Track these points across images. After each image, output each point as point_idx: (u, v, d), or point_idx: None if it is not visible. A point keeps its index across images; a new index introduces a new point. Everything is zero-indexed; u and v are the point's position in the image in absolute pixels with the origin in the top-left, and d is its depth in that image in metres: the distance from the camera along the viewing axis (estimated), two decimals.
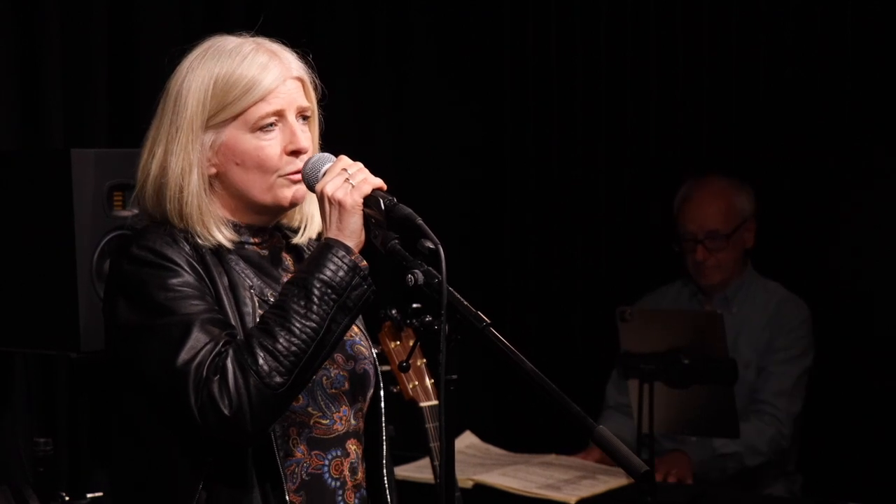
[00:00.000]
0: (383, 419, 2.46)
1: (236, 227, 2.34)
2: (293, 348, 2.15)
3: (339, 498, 2.34)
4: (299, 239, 2.43)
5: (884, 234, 4.44)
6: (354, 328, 2.40)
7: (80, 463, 3.18)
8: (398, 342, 3.19)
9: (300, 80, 2.34)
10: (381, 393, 2.46)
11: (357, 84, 4.62)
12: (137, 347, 2.22)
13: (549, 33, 5.06)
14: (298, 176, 2.31)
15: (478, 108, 5.14)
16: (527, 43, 5.10)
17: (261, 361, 2.14)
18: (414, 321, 2.26)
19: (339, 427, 2.34)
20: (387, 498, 2.45)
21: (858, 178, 4.50)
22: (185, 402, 2.14)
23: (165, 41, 2.60)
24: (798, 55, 4.63)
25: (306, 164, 2.30)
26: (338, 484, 2.34)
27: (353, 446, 2.37)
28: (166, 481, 2.26)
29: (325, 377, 2.32)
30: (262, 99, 2.28)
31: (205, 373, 2.14)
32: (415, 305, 2.24)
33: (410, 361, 3.16)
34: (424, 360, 3.20)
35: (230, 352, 2.16)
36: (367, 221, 2.23)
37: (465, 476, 3.63)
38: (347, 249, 2.21)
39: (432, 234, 2.15)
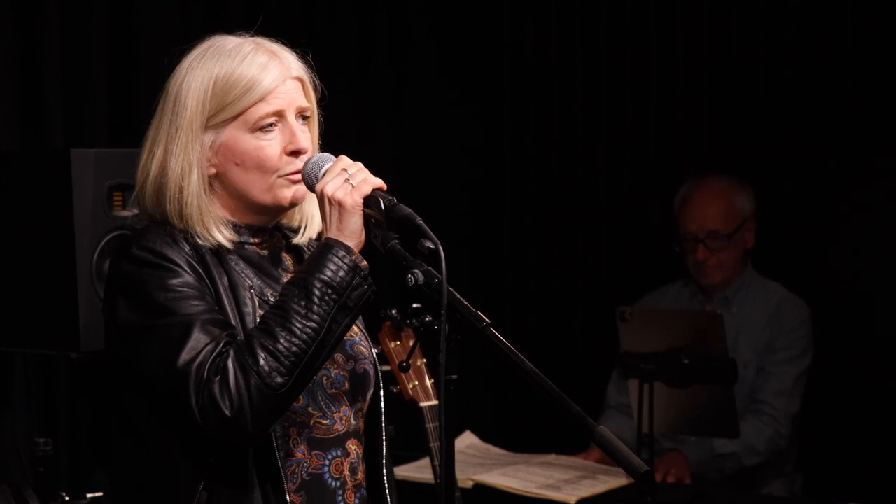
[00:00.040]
0: (383, 419, 2.46)
1: (236, 228, 2.34)
2: (294, 349, 2.15)
3: (340, 498, 2.34)
4: (299, 239, 2.43)
5: (884, 234, 4.44)
6: (354, 328, 2.40)
7: (80, 463, 3.18)
8: (398, 342, 3.19)
9: (300, 80, 2.34)
10: (381, 393, 2.46)
11: (357, 84, 4.62)
12: (138, 348, 2.22)
13: (549, 33, 5.06)
14: (298, 176, 2.31)
15: (478, 108, 5.14)
16: (527, 43, 5.10)
17: (262, 362, 2.14)
18: (414, 321, 2.26)
19: (340, 427, 2.34)
20: (387, 498, 2.45)
21: (858, 178, 4.50)
22: (185, 402, 2.14)
23: (165, 41, 2.60)
24: (798, 55, 4.63)
25: (306, 164, 2.30)
26: (338, 484, 2.34)
27: (353, 446, 2.37)
28: (167, 481, 2.26)
29: (325, 377, 2.32)
30: (261, 99, 2.28)
31: (206, 373, 2.14)
32: (415, 305, 2.24)
33: (410, 361, 3.16)
34: (424, 360, 3.20)
35: (231, 352, 2.16)
36: (367, 221, 2.23)
37: (465, 476, 3.63)
38: (348, 249, 2.21)
39: (432, 234, 2.15)
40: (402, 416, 2.99)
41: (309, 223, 2.42)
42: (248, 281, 2.31)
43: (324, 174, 2.26)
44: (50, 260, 2.86)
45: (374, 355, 2.46)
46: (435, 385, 3.16)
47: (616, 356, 3.91)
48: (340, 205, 2.21)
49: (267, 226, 2.39)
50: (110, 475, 3.36)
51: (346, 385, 2.36)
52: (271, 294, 2.31)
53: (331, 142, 2.42)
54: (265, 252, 2.38)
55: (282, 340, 2.15)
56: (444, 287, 2.12)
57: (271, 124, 2.30)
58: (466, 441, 3.99)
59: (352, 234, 2.22)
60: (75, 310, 2.81)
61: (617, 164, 4.99)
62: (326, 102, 2.41)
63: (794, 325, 4.26)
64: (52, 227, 2.85)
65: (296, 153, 2.31)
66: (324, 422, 2.32)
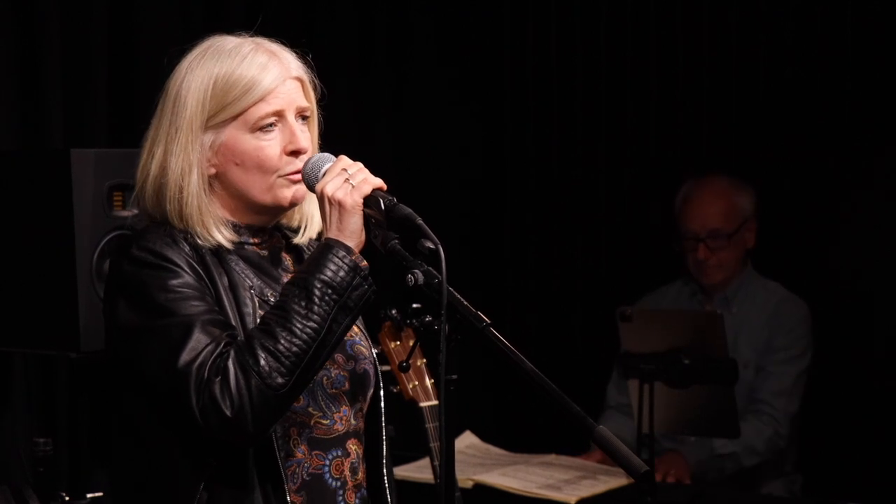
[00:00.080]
0: (383, 419, 2.46)
1: (236, 228, 2.34)
2: (294, 349, 2.15)
3: (340, 498, 2.34)
4: (299, 239, 2.43)
5: (884, 234, 4.43)
6: (354, 328, 2.40)
7: (80, 463, 3.18)
8: (398, 342, 3.19)
9: (299, 80, 2.34)
10: (381, 393, 2.46)
11: (357, 84, 4.62)
12: (138, 348, 2.22)
13: (549, 33, 5.06)
14: (298, 176, 2.31)
15: (478, 108, 5.14)
16: (527, 43, 5.10)
17: (262, 362, 2.14)
18: (414, 321, 2.25)
19: (340, 427, 2.34)
20: (387, 498, 2.45)
21: (858, 178, 4.50)
22: (186, 403, 2.14)
23: (165, 41, 2.59)
24: (798, 55, 4.63)
25: (306, 164, 2.30)
26: (338, 484, 2.34)
27: (353, 446, 2.37)
28: (167, 482, 2.26)
29: (325, 377, 2.32)
30: (261, 99, 2.28)
31: (206, 374, 2.14)
32: (415, 305, 2.24)
33: (410, 361, 3.16)
34: (424, 360, 3.20)
35: (231, 353, 2.16)
36: (367, 221, 2.23)
37: (465, 476, 3.63)
38: (348, 250, 2.21)
39: (432, 234, 2.15)
40: (402, 416, 2.98)
41: (309, 223, 2.42)
42: (248, 281, 2.31)
43: (324, 174, 2.26)
44: (50, 260, 2.86)
45: (374, 355, 2.46)
46: (435, 385, 3.16)
47: (616, 356, 3.91)
48: (340, 205, 2.21)
49: (267, 226, 2.39)
50: (110, 475, 3.36)
51: (347, 385, 2.36)
52: (271, 294, 2.31)
53: (331, 142, 2.41)
54: (265, 252, 2.38)
55: (282, 341, 2.15)
56: (444, 287, 2.12)
57: (271, 124, 2.30)
58: (466, 441, 3.99)
59: (352, 234, 2.22)
60: (75, 310, 2.81)
61: (617, 164, 4.99)
62: (326, 102, 2.41)
63: (793, 324, 4.26)
64: (52, 227, 2.85)
65: (296, 153, 2.31)
66: (324, 422, 2.32)
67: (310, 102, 2.36)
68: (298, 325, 2.16)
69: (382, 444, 2.45)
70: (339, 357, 2.35)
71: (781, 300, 4.31)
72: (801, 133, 4.61)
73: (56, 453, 3.00)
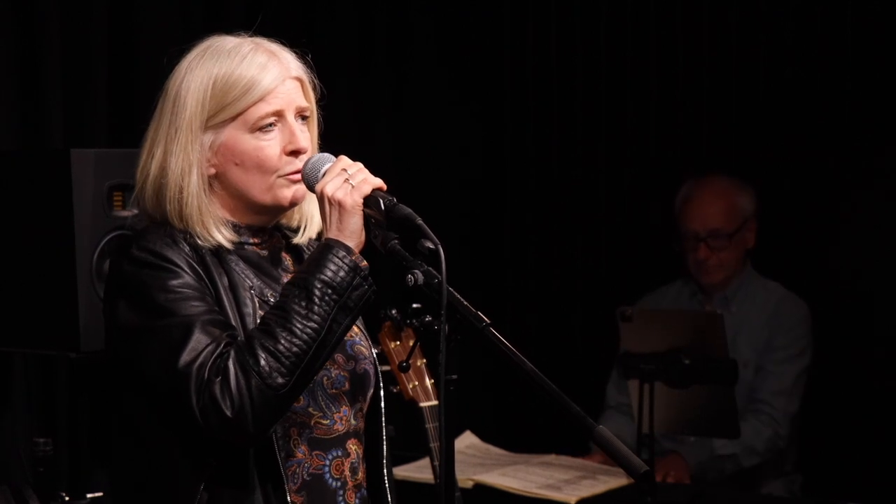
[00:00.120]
0: (383, 419, 2.46)
1: (236, 228, 2.34)
2: (294, 349, 2.15)
3: (340, 498, 2.34)
4: (299, 239, 2.43)
5: (884, 234, 4.43)
6: (354, 328, 2.40)
7: (80, 463, 3.18)
8: (398, 342, 3.19)
9: (299, 80, 2.34)
10: (381, 393, 2.46)
11: (357, 84, 4.62)
12: (138, 349, 2.22)
13: (549, 33, 5.06)
14: (298, 176, 2.31)
15: (478, 108, 5.14)
16: (527, 43, 5.10)
17: (262, 362, 2.14)
18: (414, 321, 2.26)
19: (340, 427, 2.34)
20: (387, 498, 2.45)
21: (858, 178, 4.50)
22: (186, 403, 2.14)
23: (165, 41, 2.59)
24: (798, 55, 4.63)
25: (306, 164, 2.30)
26: (338, 484, 2.34)
27: (353, 446, 2.37)
28: (167, 482, 2.26)
29: (325, 377, 2.32)
30: (261, 99, 2.28)
31: (206, 374, 2.14)
32: (415, 305, 2.24)
33: (410, 361, 3.16)
34: (424, 360, 3.20)
35: (231, 353, 2.16)
36: (367, 221, 2.23)
37: (465, 476, 3.63)
38: (348, 250, 2.21)
39: (432, 234, 2.15)
40: (402, 416, 2.98)
41: (308, 223, 2.42)
42: (248, 281, 2.31)
43: (323, 174, 2.26)
44: (50, 260, 2.86)
45: (375, 355, 2.46)
46: (435, 385, 3.16)
47: (616, 356, 3.91)
48: (340, 205, 2.21)
49: (267, 226, 2.39)
50: (110, 475, 3.36)
51: (347, 385, 2.36)
52: (271, 294, 2.31)
53: (331, 142, 2.41)
54: (265, 252, 2.38)
55: (282, 341, 2.15)
56: (444, 287, 2.12)
57: (271, 124, 2.30)
58: (466, 441, 3.99)
59: (352, 234, 2.22)
60: (75, 310, 2.81)
61: (617, 164, 4.99)
62: (326, 102, 2.41)
63: (793, 323, 4.26)
64: (52, 227, 2.85)
65: (295, 153, 2.31)
66: (324, 422, 2.32)
67: (309, 102, 2.36)
68: (299, 326, 2.16)
69: (382, 444, 2.45)
70: (339, 357, 2.35)
71: (781, 300, 4.31)
72: (801, 133, 4.61)
73: (56, 453, 3.00)
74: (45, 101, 3.56)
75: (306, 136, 2.33)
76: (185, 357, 2.15)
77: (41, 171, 2.90)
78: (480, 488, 3.61)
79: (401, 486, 2.66)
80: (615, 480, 3.66)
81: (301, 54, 2.38)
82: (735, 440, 4.00)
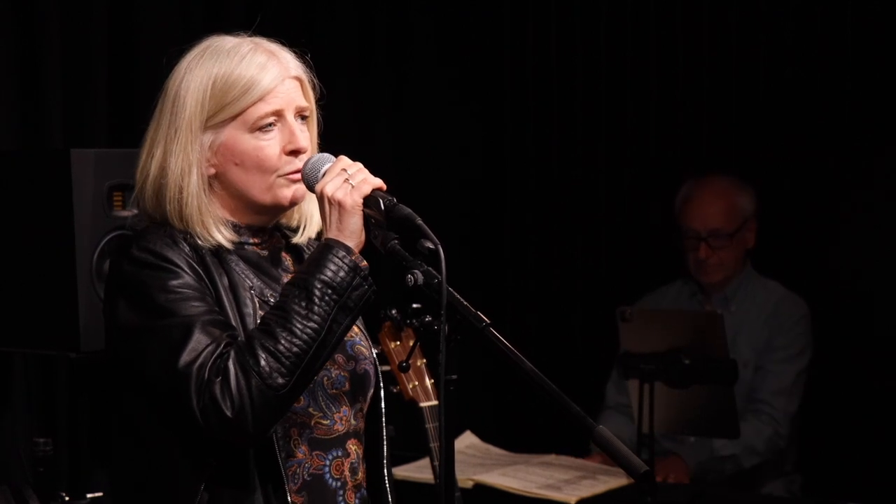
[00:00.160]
0: (383, 419, 2.46)
1: (236, 228, 2.34)
2: (294, 349, 2.15)
3: (340, 498, 2.34)
4: (299, 238, 2.43)
5: (884, 234, 4.44)
6: (354, 328, 2.40)
7: (80, 463, 3.18)
8: (398, 342, 3.19)
9: (298, 79, 2.34)
10: (382, 393, 2.46)
11: (357, 84, 4.62)
12: (138, 349, 2.22)
13: (549, 33, 5.06)
14: (298, 176, 2.31)
15: (478, 108, 5.14)
16: (527, 43, 5.10)
17: (262, 363, 2.14)
18: (414, 321, 2.26)
19: (340, 427, 2.34)
20: (387, 498, 2.45)
21: (858, 178, 4.50)
22: (186, 403, 2.14)
23: (165, 41, 2.59)
24: (798, 55, 4.63)
25: (306, 164, 2.30)
26: (339, 484, 2.34)
27: (353, 446, 2.37)
28: (167, 482, 2.26)
29: (325, 377, 2.32)
30: (260, 99, 2.28)
31: (206, 374, 2.14)
32: (415, 305, 2.24)
33: (410, 361, 3.16)
34: (424, 360, 3.20)
35: (232, 353, 2.16)
36: (367, 221, 2.23)
37: (465, 476, 3.63)
38: (348, 250, 2.21)
39: (432, 235, 2.15)
40: (402, 416, 2.98)
41: (308, 223, 2.42)
42: (249, 281, 2.31)
43: (323, 174, 2.26)
44: (50, 260, 2.86)
45: (375, 355, 2.46)
46: (435, 385, 3.16)
47: (616, 356, 3.91)
48: (340, 205, 2.21)
49: (266, 226, 2.39)
50: (110, 475, 3.36)
51: (347, 385, 2.36)
52: (271, 294, 2.31)
53: (331, 142, 2.41)
54: (265, 252, 2.38)
55: (282, 341, 2.15)
56: (443, 287, 2.12)
57: (270, 124, 2.30)
58: (466, 441, 3.99)
59: (352, 234, 2.22)
60: (75, 310, 2.81)
61: (617, 164, 4.99)
62: (326, 102, 2.41)
63: (792, 323, 4.26)
64: (52, 227, 2.85)
65: (295, 153, 2.31)
66: (324, 422, 2.32)
67: (309, 102, 2.36)
68: (299, 326, 2.16)
69: (382, 444, 2.45)
70: (339, 357, 2.35)
71: (781, 299, 4.31)
72: (801, 133, 4.61)
73: (56, 453, 3.00)
74: (45, 101, 3.56)
75: (306, 136, 2.33)
76: (186, 357, 2.15)
77: (41, 171, 2.90)
78: (480, 488, 3.61)
79: (401, 486, 2.66)
80: (615, 480, 3.66)
81: (301, 54, 2.38)
82: (735, 440, 4.00)
